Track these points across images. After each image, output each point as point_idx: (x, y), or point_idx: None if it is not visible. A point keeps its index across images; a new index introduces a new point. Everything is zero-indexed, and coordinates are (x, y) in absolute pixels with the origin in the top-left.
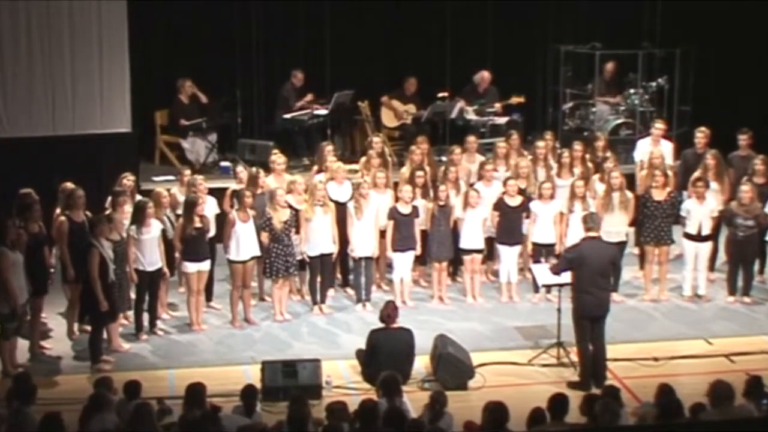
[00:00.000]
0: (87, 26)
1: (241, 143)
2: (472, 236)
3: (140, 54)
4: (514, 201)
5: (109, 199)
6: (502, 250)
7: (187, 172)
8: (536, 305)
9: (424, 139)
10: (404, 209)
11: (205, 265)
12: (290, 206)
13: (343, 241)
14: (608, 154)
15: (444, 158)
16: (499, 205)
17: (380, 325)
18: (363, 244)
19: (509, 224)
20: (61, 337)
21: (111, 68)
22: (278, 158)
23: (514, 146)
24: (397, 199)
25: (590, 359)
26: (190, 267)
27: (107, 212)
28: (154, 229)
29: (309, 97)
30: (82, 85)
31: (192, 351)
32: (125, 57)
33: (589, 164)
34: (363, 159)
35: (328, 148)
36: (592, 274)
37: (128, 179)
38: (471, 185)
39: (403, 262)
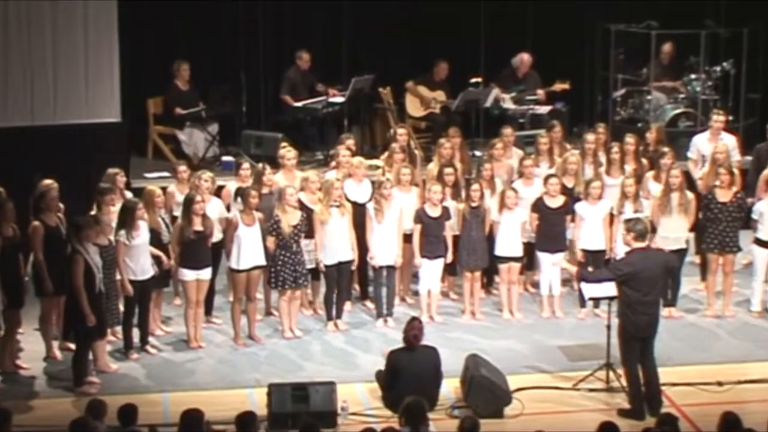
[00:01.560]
0: (71, 4)
1: (245, 135)
2: (509, 242)
3: (131, 34)
4: (555, 202)
5: (96, 197)
6: (543, 258)
7: (182, 167)
8: (582, 321)
9: (455, 131)
10: (433, 211)
11: (205, 274)
12: (303, 206)
13: (362, 247)
14: (665, 149)
15: (478, 153)
16: (538, 207)
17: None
18: (384, 251)
19: (550, 228)
20: (39, 355)
21: (98, 50)
22: (288, 152)
23: (556, 139)
24: (424, 200)
25: (640, 383)
26: (188, 275)
27: (93, 213)
28: (143, 232)
29: (319, 87)
30: (64, 69)
31: (189, 372)
32: (114, 38)
33: (643, 160)
34: (385, 154)
35: (349, 141)
36: (644, 291)
37: (120, 175)
38: (510, 183)
39: (432, 272)
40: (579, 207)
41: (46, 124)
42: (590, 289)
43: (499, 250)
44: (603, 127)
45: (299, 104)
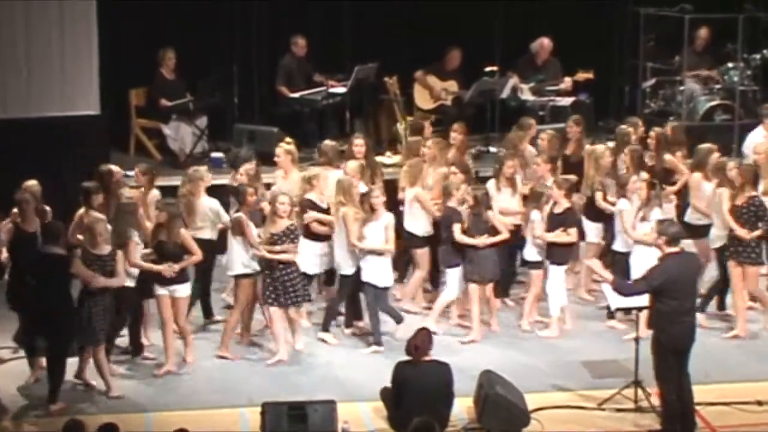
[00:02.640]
0: None
1: (237, 129)
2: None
3: (112, 20)
4: (558, 206)
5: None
6: (551, 266)
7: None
8: (606, 334)
9: (460, 127)
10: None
11: (182, 290)
12: (315, 207)
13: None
14: (667, 156)
15: (493, 149)
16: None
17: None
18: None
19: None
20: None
21: (75, 37)
22: (285, 149)
23: (572, 135)
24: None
25: (676, 402)
26: (159, 289)
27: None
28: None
29: (318, 77)
30: (38, 58)
31: (175, 389)
32: (92, 24)
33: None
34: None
35: (357, 141)
36: (680, 299)
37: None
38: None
39: (457, 279)
40: (623, 204)
41: (19, 117)
42: (617, 299)
43: (531, 254)
44: (639, 121)
45: (296, 95)
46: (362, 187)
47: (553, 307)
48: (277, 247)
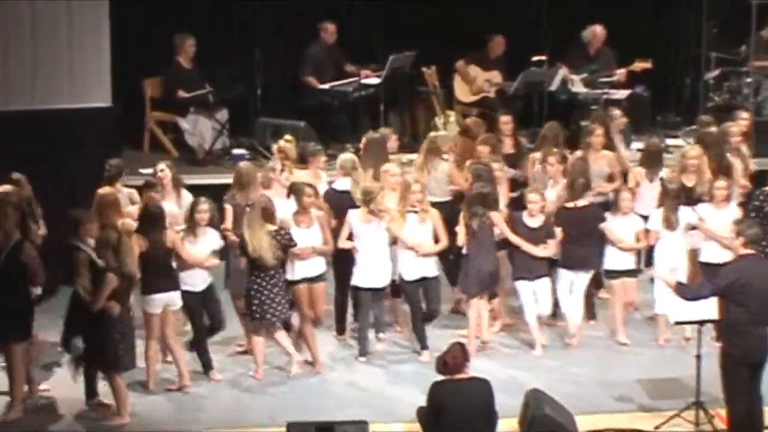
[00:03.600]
0: None
1: (260, 123)
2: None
3: (125, 4)
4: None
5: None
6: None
7: (162, 165)
8: (663, 349)
9: (507, 119)
10: (533, 221)
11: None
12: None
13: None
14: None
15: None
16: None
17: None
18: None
19: (572, 241)
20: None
21: (84, 23)
22: (280, 145)
23: (615, 127)
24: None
25: (746, 424)
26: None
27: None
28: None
29: (349, 67)
30: (44, 45)
31: (192, 408)
32: (104, 8)
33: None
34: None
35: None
36: (754, 307)
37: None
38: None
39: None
40: (702, 210)
41: (23, 110)
42: (678, 311)
43: (609, 263)
44: (746, 114)
45: (325, 86)
46: None
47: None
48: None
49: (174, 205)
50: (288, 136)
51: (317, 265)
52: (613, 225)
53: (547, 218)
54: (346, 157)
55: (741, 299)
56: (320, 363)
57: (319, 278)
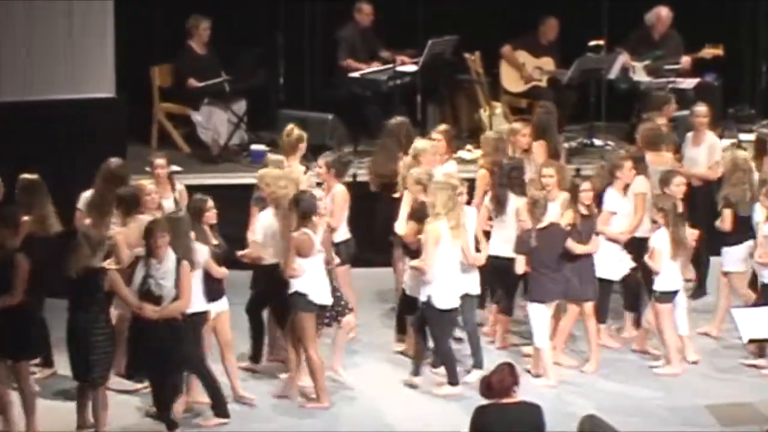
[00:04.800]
0: None
1: (283, 115)
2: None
3: None
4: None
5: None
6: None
7: (160, 161)
8: (739, 371)
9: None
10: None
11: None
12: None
13: None
14: None
15: (598, 142)
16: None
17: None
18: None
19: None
20: None
21: (85, 4)
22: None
23: (700, 123)
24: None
25: None
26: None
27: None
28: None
29: (385, 53)
30: (40, 27)
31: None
32: None
33: None
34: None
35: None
36: None
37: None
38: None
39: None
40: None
41: (17, 100)
42: (752, 328)
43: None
44: None
45: (356, 75)
46: None
47: (669, 337)
48: None
49: (172, 203)
50: (291, 125)
51: None
52: None
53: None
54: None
55: None
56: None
57: None
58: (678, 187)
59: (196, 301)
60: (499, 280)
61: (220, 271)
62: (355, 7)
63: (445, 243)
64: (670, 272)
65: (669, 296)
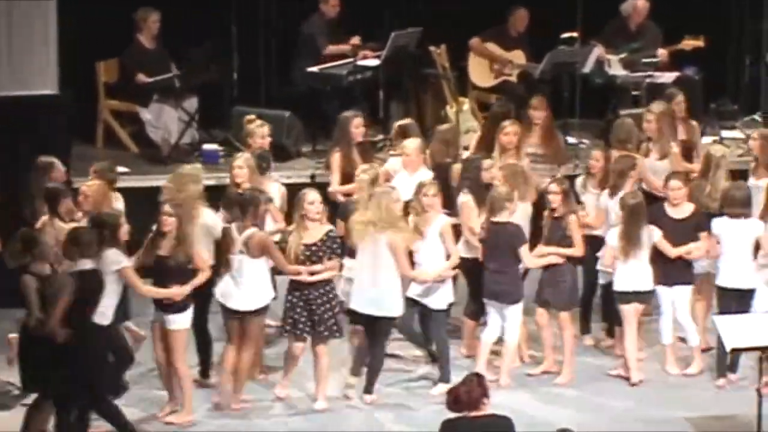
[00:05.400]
0: None
1: (237, 113)
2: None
3: None
4: (680, 211)
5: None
6: (662, 293)
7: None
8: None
9: (541, 102)
10: (675, 212)
11: (180, 321)
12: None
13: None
14: None
15: (572, 140)
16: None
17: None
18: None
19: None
20: None
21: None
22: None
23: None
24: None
25: None
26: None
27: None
28: None
29: (355, 39)
30: None
31: None
32: None
33: None
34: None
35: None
36: None
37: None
38: None
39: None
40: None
41: None
42: (736, 337)
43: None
44: None
45: (315, 69)
46: None
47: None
48: (318, 266)
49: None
50: (251, 116)
51: None
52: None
53: None
54: None
55: None
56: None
57: None
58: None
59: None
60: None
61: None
62: None
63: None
64: (625, 271)
65: (627, 296)
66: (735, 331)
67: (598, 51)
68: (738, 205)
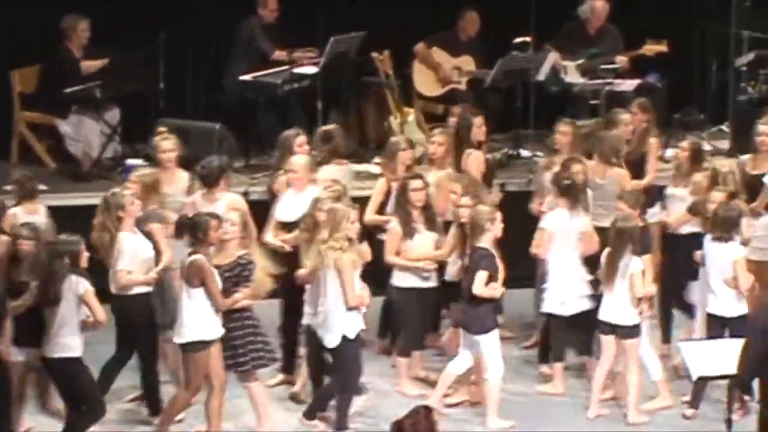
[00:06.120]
0: None
1: (164, 125)
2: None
3: None
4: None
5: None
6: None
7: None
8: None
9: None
10: None
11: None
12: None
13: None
14: None
15: (526, 153)
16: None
17: None
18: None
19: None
20: None
21: None
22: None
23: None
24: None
25: None
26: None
27: None
28: None
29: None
30: None
31: None
32: None
33: None
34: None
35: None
36: None
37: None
38: None
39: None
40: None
41: None
42: (701, 364)
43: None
44: None
45: (248, 77)
46: None
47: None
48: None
49: None
50: (161, 128)
51: None
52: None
53: None
54: None
55: None
56: None
57: None
58: None
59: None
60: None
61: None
62: (259, 1)
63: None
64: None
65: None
66: (701, 358)
67: (553, 57)
68: (725, 228)
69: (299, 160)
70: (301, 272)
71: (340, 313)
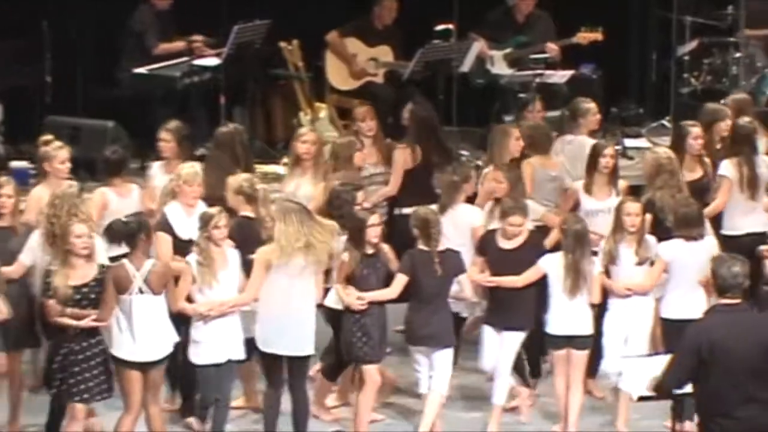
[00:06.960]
0: None
1: (52, 123)
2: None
3: None
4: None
5: None
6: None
7: None
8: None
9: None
10: (507, 243)
11: None
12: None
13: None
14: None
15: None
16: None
17: None
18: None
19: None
20: None
21: None
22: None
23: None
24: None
25: None
26: None
27: None
28: None
29: (197, 37)
30: None
31: None
32: None
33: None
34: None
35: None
36: (734, 379)
37: None
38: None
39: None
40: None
41: None
42: (641, 382)
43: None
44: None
45: (144, 69)
46: None
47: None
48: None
49: None
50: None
51: None
52: None
53: None
54: None
55: (713, 368)
56: None
57: None
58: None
59: None
60: None
61: None
62: None
63: None
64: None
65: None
66: (643, 376)
67: (478, 46)
68: (692, 225)
69: (190, 169)
70: None
71: None
